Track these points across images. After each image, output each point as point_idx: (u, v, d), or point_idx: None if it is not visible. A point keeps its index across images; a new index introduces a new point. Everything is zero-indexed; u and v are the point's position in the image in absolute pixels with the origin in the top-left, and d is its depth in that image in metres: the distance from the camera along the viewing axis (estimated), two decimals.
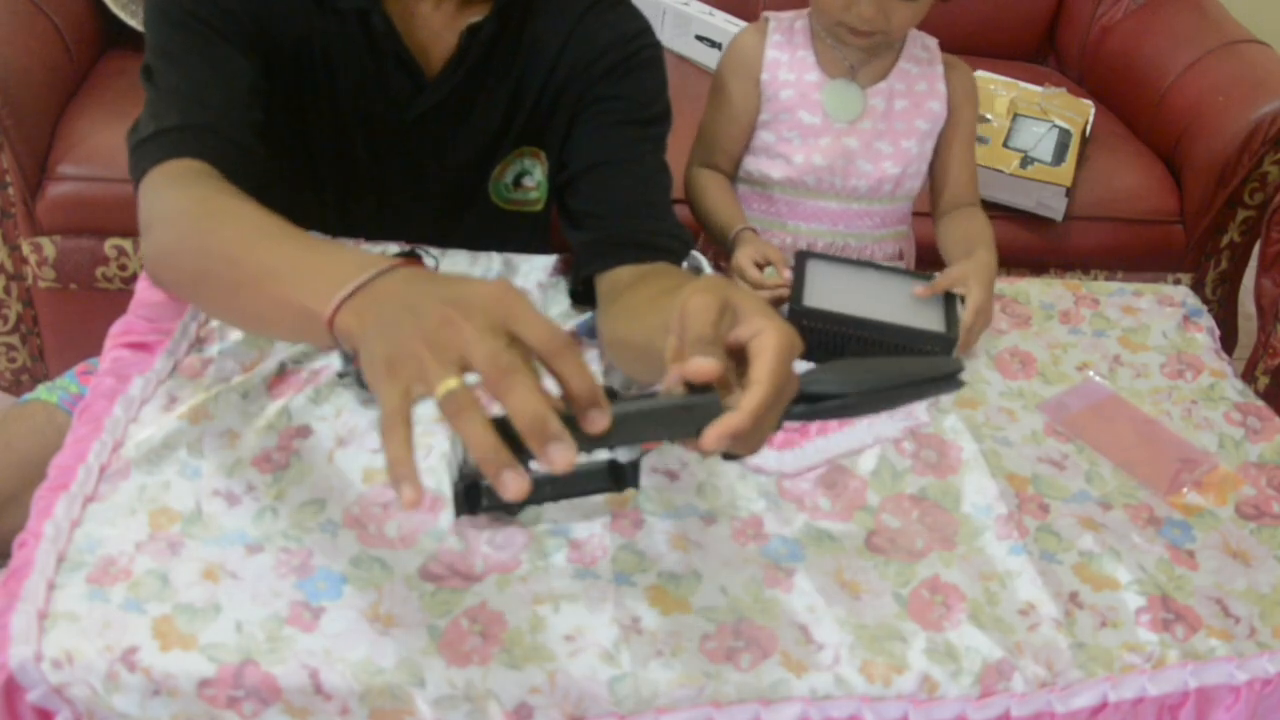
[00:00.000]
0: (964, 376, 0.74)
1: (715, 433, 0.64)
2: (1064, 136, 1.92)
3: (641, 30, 1.14)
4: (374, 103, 1.10)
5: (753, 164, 1.37)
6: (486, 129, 1.14)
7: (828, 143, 1.33)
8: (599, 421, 0.62)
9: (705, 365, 0.64)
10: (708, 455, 0.66)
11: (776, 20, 1.36)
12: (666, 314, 0.71)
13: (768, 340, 0.66)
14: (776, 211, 1.37)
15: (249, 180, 0.91)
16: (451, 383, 0.60)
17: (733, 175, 1.39)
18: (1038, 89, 2.05)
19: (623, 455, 0.76)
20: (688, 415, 0.65)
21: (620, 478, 0.77)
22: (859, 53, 1.32)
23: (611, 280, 1.04)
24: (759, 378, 0.65)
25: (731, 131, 1.36)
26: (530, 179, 1.19)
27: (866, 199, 1.36)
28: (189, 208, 0.88)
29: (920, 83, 1.35)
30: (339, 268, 0.71)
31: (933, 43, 1.38)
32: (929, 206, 1.40)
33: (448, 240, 1.15)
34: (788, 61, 1.33)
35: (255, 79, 1.01)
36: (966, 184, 1.38)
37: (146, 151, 0.93)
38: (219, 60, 0.99)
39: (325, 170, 1.14)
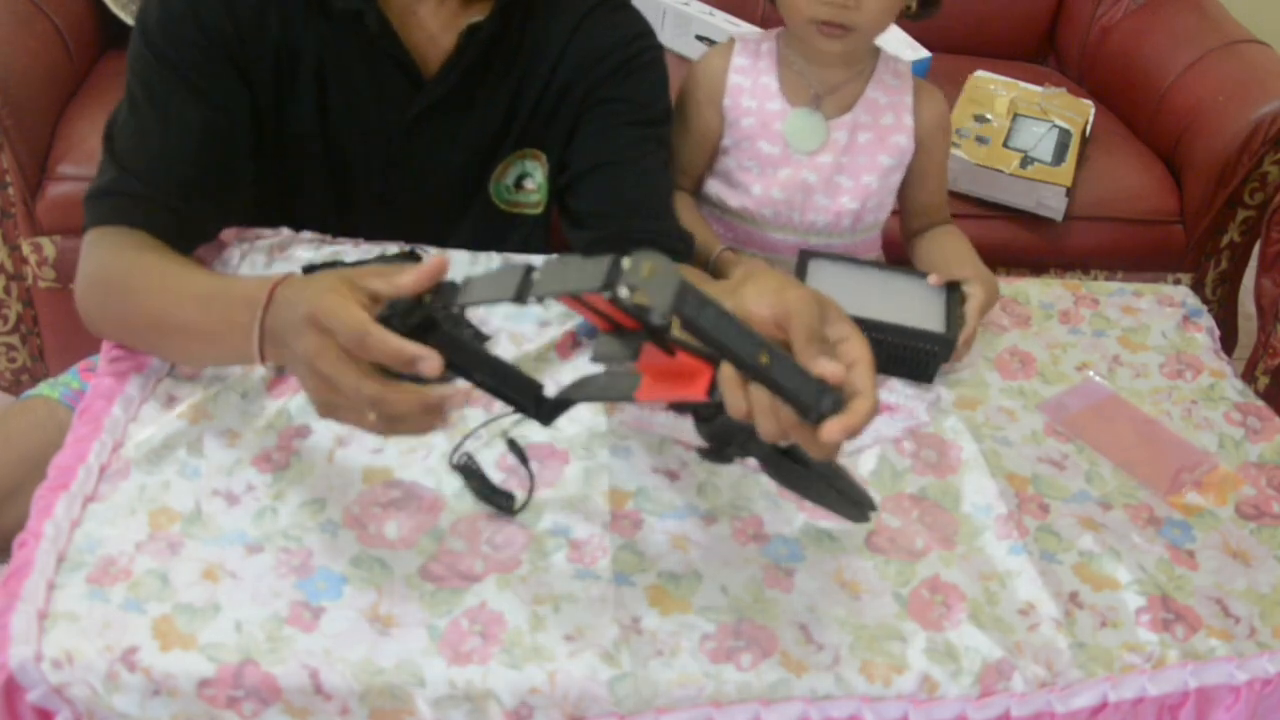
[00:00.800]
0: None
1: (837, 426, 0.65)
2: (1064, 136, 1.92)
3: (643, 32, 1.14)
4: (371, 104, 1.10)
5: (713, 188, 1.33)
6: (486, 130, 1.14)
7: (787, 175, 1.28)
8: (428, 365, 0.70)
9: (835, 369, 0.66)
10: (817, 444, 0.67)
11: (742, 42, 1.31)
12: None
13: (859, 350, 0.69)
14: (734, 238, 1.33)
15: (181, 239, 1.00)
16: (370, 418, 0.72)
17: (695, 194, 1.35)
18: (1038, 89, 2.05)
19: (554, 391, 0.78)
20: (816, 392, 0.66)
21: (540, 408, 0.79)
22: (824, 80, 1.26)
23: None
24: (863, 388, 0.67)
25: (694, 153, 1.31)
26: (531, 181, 1.18)
27: (824, 234, 1.32)
28: (109, 279, 0.97)
29: (887, 114, 1.29)
30: (237, 315, 0.81)
31: (905, 68, 1.32)
32: (898, 225, 1.38)
33: (447, 241, 1.15)
34: (750, 88, 1.28)
35: (211, 128, 1.03)
36: (939, 207, 1.35)
37: (89, 209, 1.01)
38: (175, 111, 1.02)
39: (324, 172, 1.14)
